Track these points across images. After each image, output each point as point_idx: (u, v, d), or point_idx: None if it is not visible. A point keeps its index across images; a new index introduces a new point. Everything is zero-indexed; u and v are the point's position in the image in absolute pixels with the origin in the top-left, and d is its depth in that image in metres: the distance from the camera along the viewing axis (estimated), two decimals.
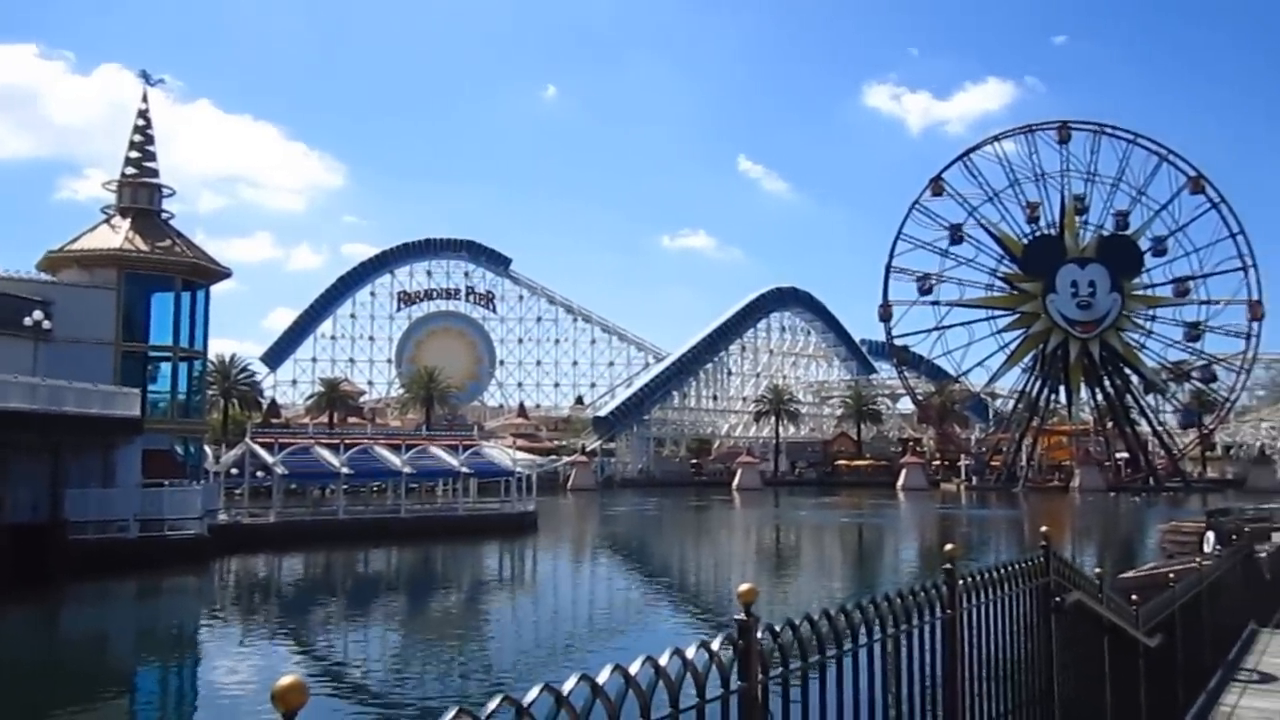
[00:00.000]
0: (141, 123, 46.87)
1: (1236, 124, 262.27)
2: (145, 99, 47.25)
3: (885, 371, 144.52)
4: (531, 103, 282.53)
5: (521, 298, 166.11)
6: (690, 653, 2.55)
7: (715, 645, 2.65)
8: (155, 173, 46.70)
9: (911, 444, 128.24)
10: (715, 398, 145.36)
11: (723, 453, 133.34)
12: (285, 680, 1.72)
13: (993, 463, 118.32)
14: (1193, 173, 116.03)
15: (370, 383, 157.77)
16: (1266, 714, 9.17)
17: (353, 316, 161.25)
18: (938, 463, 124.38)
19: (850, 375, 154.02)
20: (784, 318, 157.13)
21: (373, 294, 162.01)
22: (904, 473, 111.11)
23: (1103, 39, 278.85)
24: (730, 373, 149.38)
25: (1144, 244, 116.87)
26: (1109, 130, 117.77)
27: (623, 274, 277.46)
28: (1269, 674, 10.96)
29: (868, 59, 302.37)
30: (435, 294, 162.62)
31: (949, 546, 4.21)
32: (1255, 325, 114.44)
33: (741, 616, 2.75)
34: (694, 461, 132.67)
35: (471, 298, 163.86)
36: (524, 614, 31.21)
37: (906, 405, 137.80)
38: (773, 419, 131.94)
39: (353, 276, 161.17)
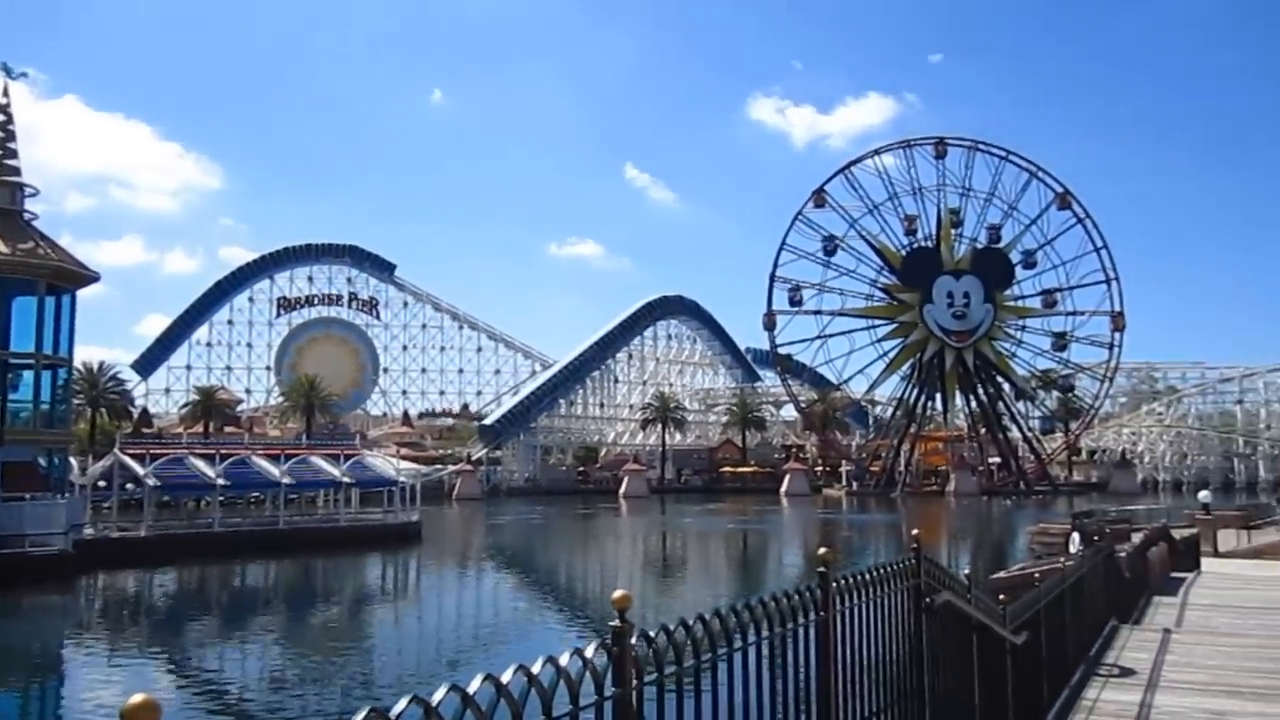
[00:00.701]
0: (1, 118, 44.72)
1: (1100, 143, 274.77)
2: (5, 93, 45.13)
3: (769, 379, 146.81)
4: (418, 107, 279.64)
5: (406, 304, 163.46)
6: (564, 660, 2.54)
7: (589, 652, 2.65)
8: (16, 170, 44.61)
9: (795, 450, 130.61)
10: (602, 405, 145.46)
11: (610, 460, 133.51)
12: (136, 699, 1.66)
13: (873, 468, 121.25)
14: (1060, 189, 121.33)
15: (248, 391, 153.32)
16: (1125, 706, 9.60)
17: (230, 323, 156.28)
18: (820, 469, 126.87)
19: (736, 383, 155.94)
20: (671, 326, 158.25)
21: (251, 299, 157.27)
22: (787, 479, 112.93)
23: (977, 58, 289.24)
24: (617, 380, 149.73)
25: (1015, 257, 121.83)
26: (983, 147, 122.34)
27: (510, 282, 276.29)
28: (1128, 668, 11.46)
29: (753, 72, 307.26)
30: (317, 300, 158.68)
31: (823, 551, 4.30)
32: (1117, 335, 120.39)
33: (616, 623, 2.75)
34: (581, 469, 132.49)
35: (354, 304, 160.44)
36: (407, 626, 30.70)
37: (790, 412, 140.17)
38: (659, 426, 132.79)
39: (230, 281, 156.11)
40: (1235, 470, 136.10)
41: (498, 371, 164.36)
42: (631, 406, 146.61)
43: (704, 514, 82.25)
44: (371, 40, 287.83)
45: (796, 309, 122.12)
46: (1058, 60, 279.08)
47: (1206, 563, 29.47)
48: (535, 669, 2.45)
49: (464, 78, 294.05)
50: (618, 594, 2.79)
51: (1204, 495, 43.58)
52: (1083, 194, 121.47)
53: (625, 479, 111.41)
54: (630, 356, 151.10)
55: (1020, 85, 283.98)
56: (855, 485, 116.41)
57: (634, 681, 2.78)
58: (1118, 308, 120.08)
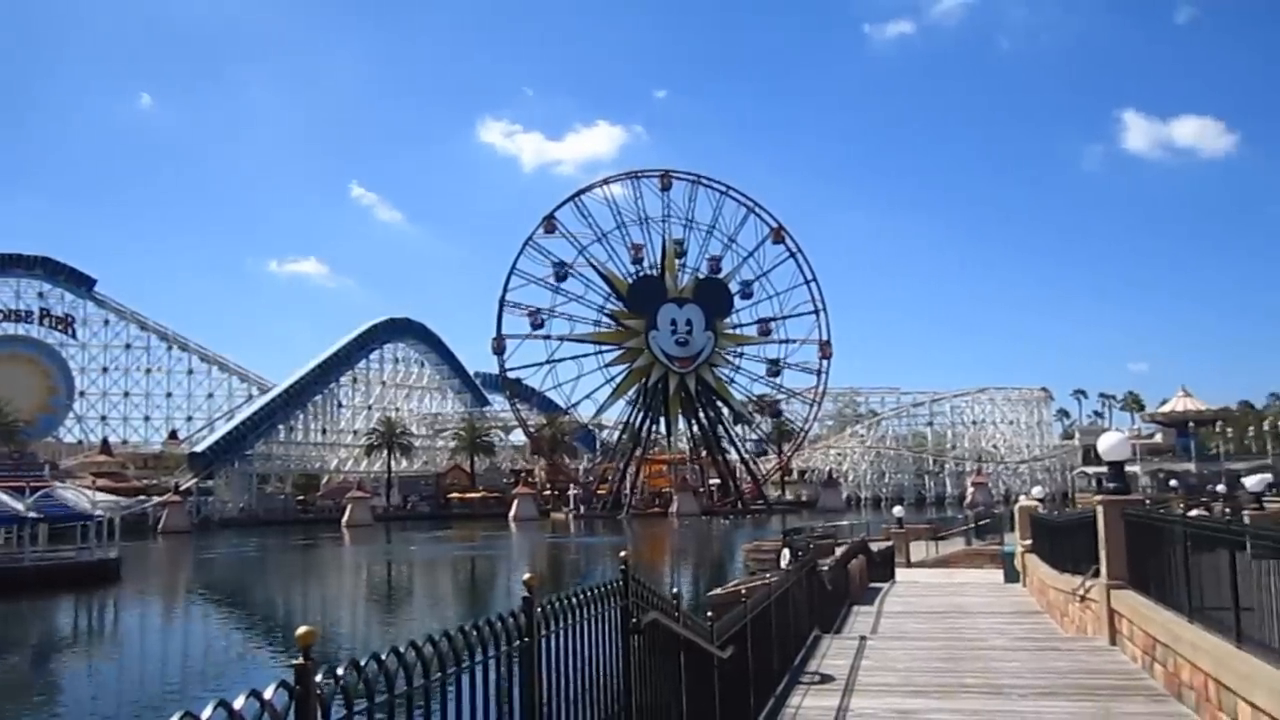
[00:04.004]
0: None
1: (810, 182, 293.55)
2: None
3: (498, 404, 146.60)
4: (123, 111, 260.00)
5: (107, 322, 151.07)
6: (238, 703, 2.40)
7: (269, 693, 2.51)
8: None
9: (523, 475, 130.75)
10: (325, 431, 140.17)
11: (332, 488, 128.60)
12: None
13: (600, 491, 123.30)
14: (774, 224, 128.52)
15: None
16: (825, 710, 10.19)
17: None
18: (549, 492, 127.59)
19: (464, 407, 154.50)
20: (398, 349, 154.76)
21: None
22: (516, 503, 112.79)
23: (699, 95, 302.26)
24: (341, 405, 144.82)
25: (734, 287, 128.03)
26: (705, 181, 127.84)
27: (226, 300, 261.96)
28: (828, 675, 12.19)
29: (484, 94, 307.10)
30: (2, 316, 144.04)
31: (527, 576, 4.30)
32: (824, 363, 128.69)
33: (299, 660, 2.63)
34: (301, 498, 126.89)
35: (46, 321, 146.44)
36: (103, 675, 28.24)
37: (519, 437, 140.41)
38: (385, 452, 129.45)
39: None
40: (926, 486, 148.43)
41: (210, 395, 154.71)
42: (356, 432, 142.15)
43: (431, 541, 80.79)
44: (70, 38, 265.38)
45: (531, 334, 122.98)
46: (771, 103, 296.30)
47: (900, 572, 31.93)
48: (204, 715, 2.29)
49: (175, 82, 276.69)
50: (301, 630, 2.66)
51: (898, 510, 47.33)
52: (794, 230, 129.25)
53: (349, 507, 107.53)
54: (355, 380, 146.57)
55: (739, 123, 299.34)
56: (583, 508, 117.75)
57: None
58: (825, 336, 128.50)
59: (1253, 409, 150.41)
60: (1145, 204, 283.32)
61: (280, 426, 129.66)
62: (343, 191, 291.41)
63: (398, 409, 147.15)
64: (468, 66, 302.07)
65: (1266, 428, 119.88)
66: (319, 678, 2.67)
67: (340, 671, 2.80)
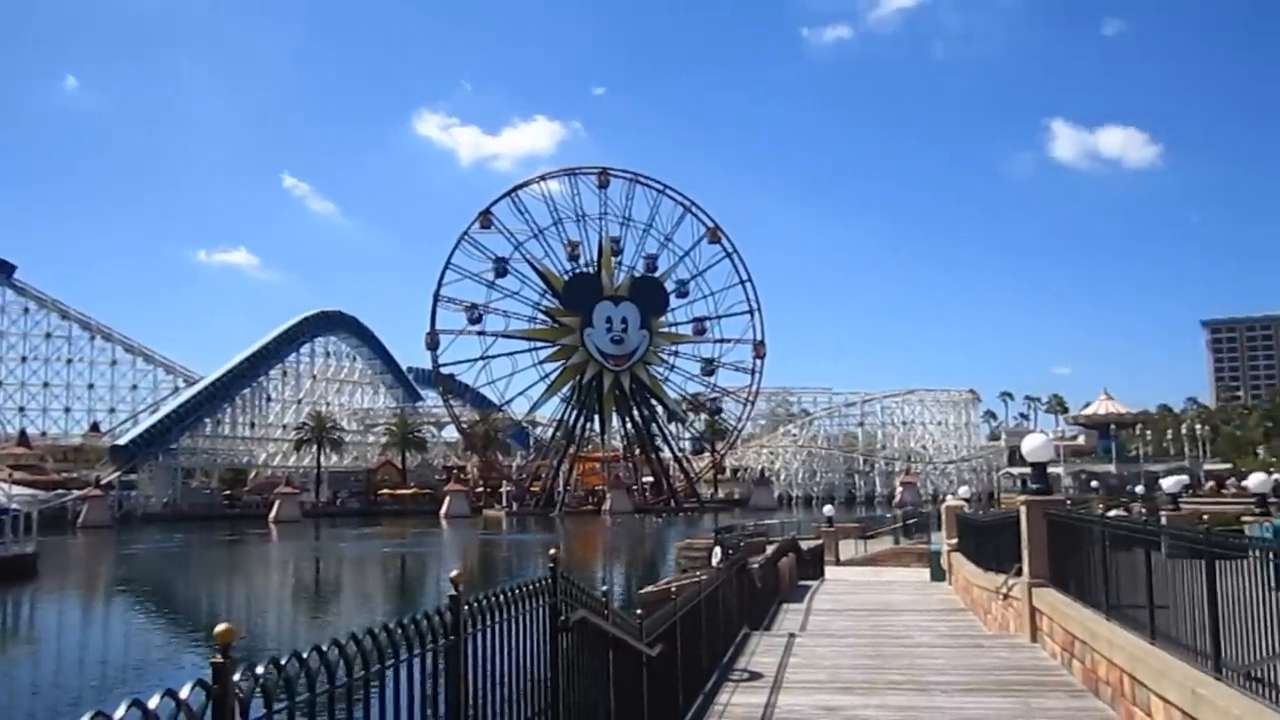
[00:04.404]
0: None
1: (747, 183, 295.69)
2: None
3: (431, 399, 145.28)
4: (46, 93, 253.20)
5: (27, 310, 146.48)
6: (153, 702, 2.34)
7: (185, 692, 2.46)
8: None
9: (456, 472, 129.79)
10: (253, 425, 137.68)
11: (260, 483, 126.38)
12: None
13: (533, 489, 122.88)
14: (711, 224, 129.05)
15: None
16: (752, 708, 10.26)
17: None
18: (481, 490, 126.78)
19: (396, 403, 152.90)
20: (329, 343, 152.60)
21: None
22: (448, 500, 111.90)
23: (638, 94, 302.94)
24: (270, 399, 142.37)
25: (670, 286, 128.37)
26: (642, 180, 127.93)
27: (153, 290, 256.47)
28: (757, 672, 12.28)
29: (421, 86, 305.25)
30: None
31: (454, 573, 4.27)
32: (758, 362, 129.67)
33: (218, 659, 2.58)
34: (228, 493, 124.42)
35: None
36: (18, 674, 27.44)
37: (452, 433, 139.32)
38: (315, 447, 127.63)
39: None
40: (856, 485, 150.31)
41: (135, 387, 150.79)
42: (285, 426, 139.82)
43: (361, 538, 79.83)
44: None
45: (468, 329, 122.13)
46: (709, 104, 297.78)
47: (830, 570, 32.31)
48: (117, 715, 2.24)
49: (103, 65, 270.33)
50: (220, 628, 2.62)
51: (828, 509, 47.83)
52: (731, 229, 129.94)
53: (276, 503, 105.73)
54: (285, 374, 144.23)
55: (677, 123, 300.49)
56: (516, 506, 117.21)
57: None
58: (759, 336, 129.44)
59: (1171, 412, 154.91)
60: (1072, 212, 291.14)
61: (207, 420, 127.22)
62: (274, 181, 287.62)
63: (328, 403, 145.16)
64: (405, 57, 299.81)
65: (1184, 431, 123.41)
66: (237, 676, 2.63)
67: (260, 670, 2.75)
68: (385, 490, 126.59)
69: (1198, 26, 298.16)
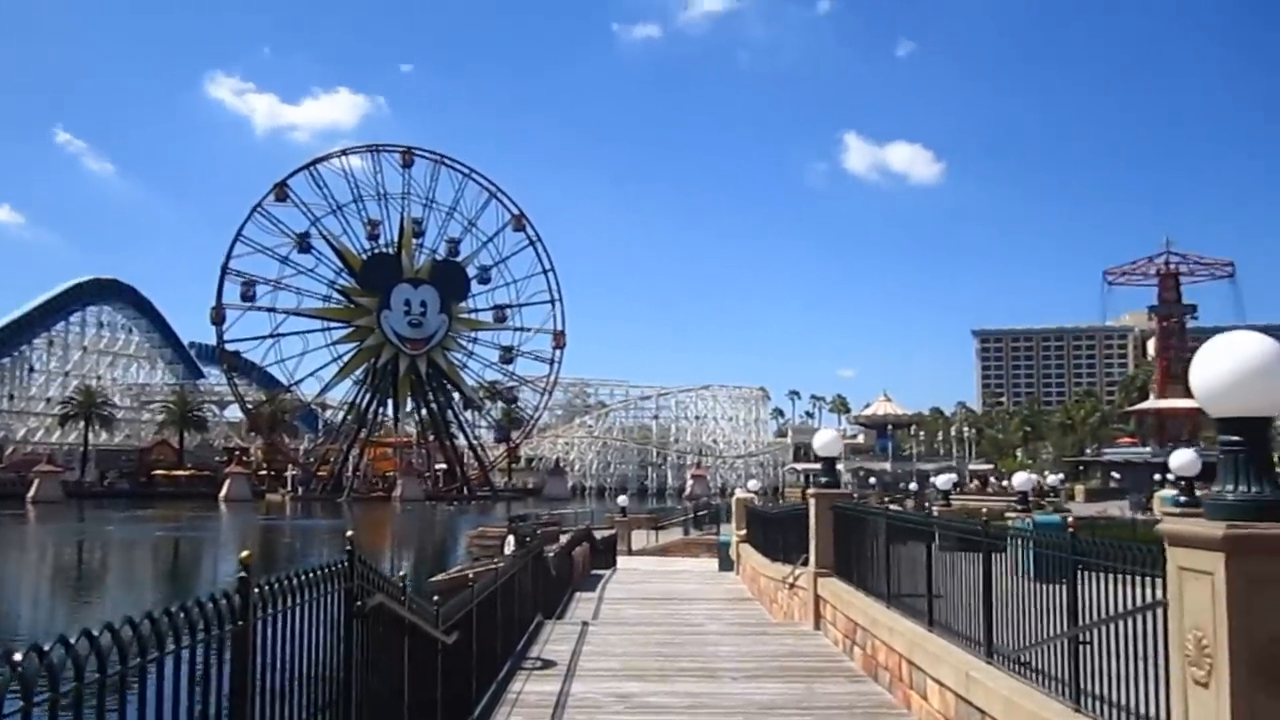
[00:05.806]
0: None
1: (553, 172, 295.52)
2: None
3: (214, 377, 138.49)
4: None
5: None
6: None
7: None
8: None
9: (238, 453, 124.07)
10: (12, 397, 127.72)
11: (17, 460, 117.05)
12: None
13: (320, 473, 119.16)
14: (516, 211, 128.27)
15: None
16: (545, 695, 10.19)
17: None
18: (265, 473, 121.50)
19: (176, 379, 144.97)
20: (103, 312, 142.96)
21: None
22: (228, 483, 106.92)
23: (447, 75, 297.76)
24: (33, 370, 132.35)
25: (471, 271, 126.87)
26: (448, 162, 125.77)
27: None
28: (550, 660, 12.22)
29: (214, 47, 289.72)
30: None
31: (244, 554, 3.97)
32: (558, 353, 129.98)
33: None
34: None
35: None
36: None
37: (235, 413, 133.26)
38: (82, 423, 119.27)
39: None
40: (649, 477, 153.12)
41: None
42: (49, 400, 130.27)
43: (130, 520, 75.20)
44: None
45: (249, 304, 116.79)
46: (518, 91, 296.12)
47: (622, 560, 32.73)
48: None
49: None
50: None
51: (622, 500, 48.54)
52: (535, 218, 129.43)
53: (35, 481, 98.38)
54: (51, 344, 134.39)
55: (485, 107, 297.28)
56: (301, 490, 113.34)
57: None
58: (560, 327, 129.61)
59: (942, 415, 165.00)
60: (861, 221, 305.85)
61: None
62: (46, 135, 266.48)
63: (99, 377, 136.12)
64: (199, 11, 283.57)
65: (953, 433, 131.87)
66: None
67: (18, 658, 2.44)
68: (160, 471, 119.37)
69: (983, 56, 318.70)
